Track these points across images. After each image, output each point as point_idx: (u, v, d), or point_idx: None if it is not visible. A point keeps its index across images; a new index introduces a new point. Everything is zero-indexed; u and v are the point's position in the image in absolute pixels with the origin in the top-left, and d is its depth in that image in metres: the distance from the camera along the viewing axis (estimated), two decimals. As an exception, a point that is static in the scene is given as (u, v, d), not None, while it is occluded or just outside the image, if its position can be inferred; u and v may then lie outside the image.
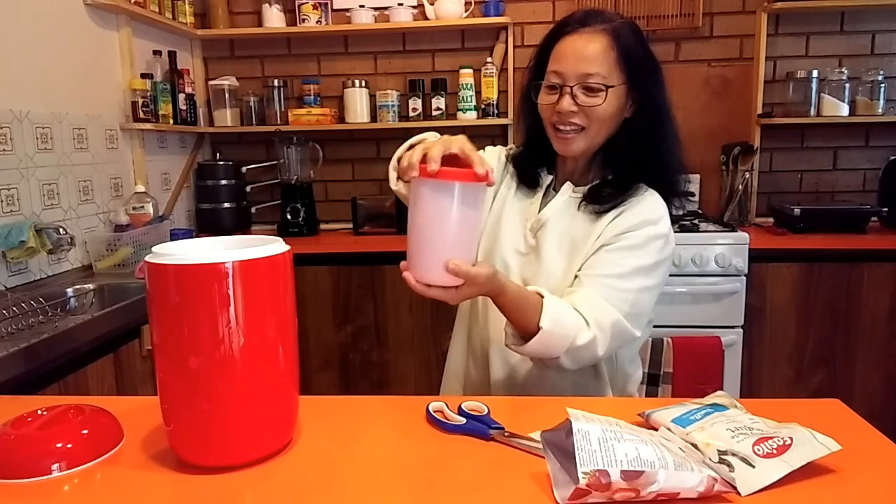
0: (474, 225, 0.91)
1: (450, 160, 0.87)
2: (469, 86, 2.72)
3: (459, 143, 0.88)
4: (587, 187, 1.13)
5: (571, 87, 1.05)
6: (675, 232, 2.39)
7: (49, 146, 1.98)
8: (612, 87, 1.04)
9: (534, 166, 1.18)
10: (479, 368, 1.19)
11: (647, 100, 1.08)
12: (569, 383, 1.10)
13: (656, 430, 0.81)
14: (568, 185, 1.14)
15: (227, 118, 2.85)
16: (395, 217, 2.66)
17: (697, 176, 2.76)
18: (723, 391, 0.89)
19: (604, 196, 1.09)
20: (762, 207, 2.75)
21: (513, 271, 1.13)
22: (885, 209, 2.48)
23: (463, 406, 0.90)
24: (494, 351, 1.14)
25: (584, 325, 0.98)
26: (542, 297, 0.98)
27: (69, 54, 2.09)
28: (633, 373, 1.20)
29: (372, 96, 2.82)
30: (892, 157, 2.56)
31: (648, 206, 1.07)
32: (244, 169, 2.85)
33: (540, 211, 1.14)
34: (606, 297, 1.01)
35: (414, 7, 2.77)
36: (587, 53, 1.04)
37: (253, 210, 2.91)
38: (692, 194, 1.12)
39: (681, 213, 1.19)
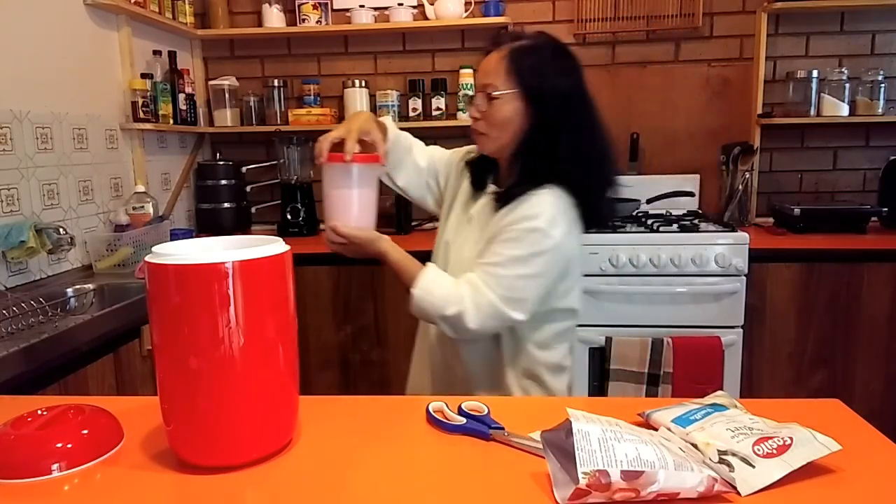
0: (361, 197, 1.20)
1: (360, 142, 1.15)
2: (469, 86, 2.72)
3: (360, 128, 1.17)
4: (499, 189, 1.26)
5: (475, 97, 1.24)
6: (676, 232, 2.38)
7: (49, 146, 1.98)
8: (502, 94, 1.19)
9: (482, 170, 1.33)
10: (420, 344, 1.41)
11: (542, 110, 1.20)
12: (478, 356, 1.26)
13: (656, 430, 0.81)
14: (491, 187, 1.29)
15: (227, 118, 2.85)
16: (395, 217, 2.67)
17: (697, 176, 2.76)
18: (723, 391, 0.89)
19: (506, 196, 1.22)
20: (762, 207, 2.75)
21: (448, 255, 1.33)
22: (885, 209, 2.48)
23: (463, 406, 0.90)
24: (432, 327, 1.32)
25: (456, 300, 1.15)
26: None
27: (69, 54, 2.09)
28: (546, 359, 1.26)
29: (372, 96, 2.82)
30: (892, 157, 2.56)
31: (531, 204, 1.18)
32: (244, 169, 2.85)
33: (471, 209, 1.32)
34: (485, 282, 1.16)
35: (414, 7, 2.77)
36: (487, 68, 1.22)
37: (253, 210, 2.91)
38: (614, 200, 1.30)
39: (615, 216, 1.30)
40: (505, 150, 1.24)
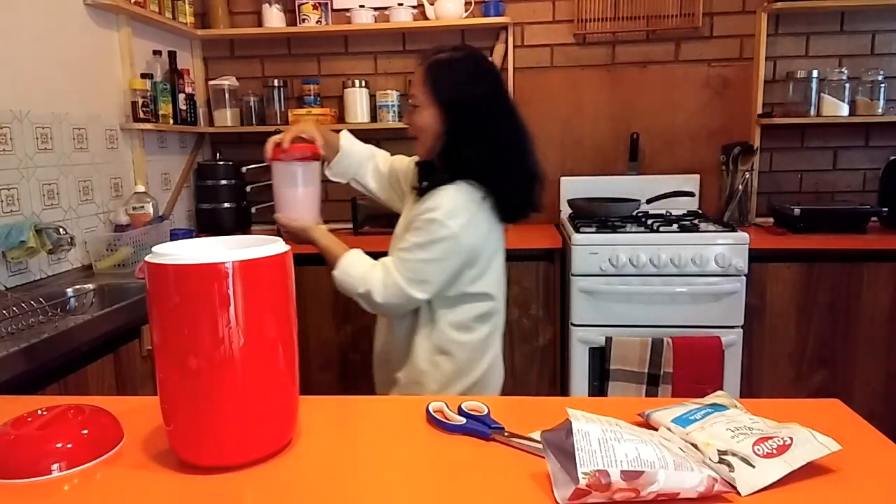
0: (299, 192, 1.41)
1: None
2: (469, 86, 2.72)
3: (299, 129, 1.42)
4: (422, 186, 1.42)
5: (408, 106, 1.43)
6: (676, 232, 2.39)
7: (49, 146, 1.98)
8: (421, 103, 1.37)
9: (427, 171, 1.47)
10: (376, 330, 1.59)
11: (454, 116, 1.35)
12: (401, 332, 1.43)
13: (656, 430, 0.81)
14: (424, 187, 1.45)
15: (227, 118, 2.85)
16: (396, 217, 2.66)
17: (697, 176, 2.77)
18: (723, 391, 0.89)
19: (422, 191, 1.38)
20: (762, 207, 2.75)
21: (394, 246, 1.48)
22: (885, 209, 2.48)
23: (463, 406, 0.90)
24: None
25: (369, 280, 1.33)
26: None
27: (69, 54, 2.09)
28: (461, 338, 1.39)
29: (372, 96, 2.82)
30: (892, 157, 2.56)
31: (434, 198, 1.33)
32: (244, 169, 2.85)
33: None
34: (395, 265, 1.34)
35: (414, 7, 2.77)
36: (413, 80, 1.40)
37: (253, 210, 2.90)
38: (530, 195, 1.45)
39: (532, 211, 1.47)
40: (431, 152, 1.40)
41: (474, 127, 1.36)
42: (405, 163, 1.61)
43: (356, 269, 1.38)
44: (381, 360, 1.51)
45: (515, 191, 1.41)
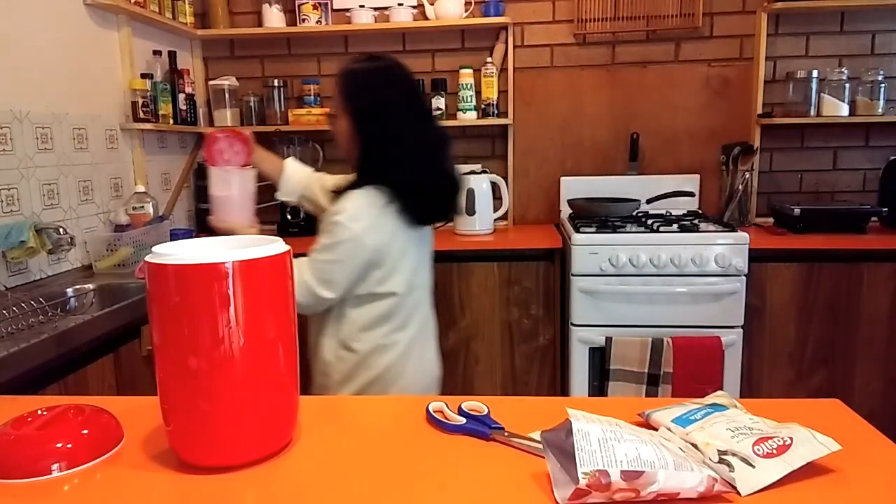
0: (232, 197, 1.50)
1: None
2: (469, 86, 2.72)
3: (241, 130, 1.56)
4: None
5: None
6: (676, 232, 2.39)
7: (49, 146, 1.98)
8: (335, 113, 1.47)
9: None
10: None
11: (361, 123, 1.43)
12: (315, 325, 1.51)
13: (656, 430, 0.81)
14: None
15: (227, 118, 2.84)
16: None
17: (697, 176, 2.77)
18: (723, 391, 0.89)
19: (336, 196, 1.45)
20: (762, 207, 2.75)
21: None
22: (885, 209, 2.48)
23: (463, 406, 0.90)
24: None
25: None
26: None
27: (69, 54, 2.09)
28: (362, 334, 1.45)
29: (372, 96, 2.81)
30: (892, 157, 2.56)
31: (342, 201, 1.40)
32: (244, 169, 2.85)
33: None
34: (307, 265, 1.40)
35: (414, 7, 2.77)
36: (333, 93, 1.50)
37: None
38: (442, 199, 1.53)
39: (445, 215, 1.57)
40: (352, 158, 1.47)
41: (381, 134, 1.42)
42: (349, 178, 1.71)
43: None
44: (312, 351, 1.58)
45: (425, 196, 1.46)
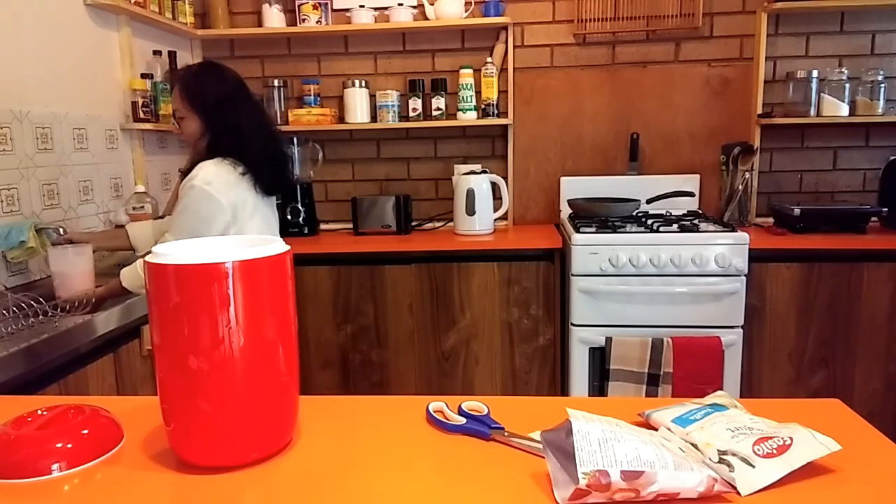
0: (76, 270, 1.71)
1: None
2: (469, 86, 2.72)
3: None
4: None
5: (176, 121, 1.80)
6: (676, 232, 2.40)
7: (49, 146, 1.98)
8: (183, 117, 1.75)
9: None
10: None
11: (205, 114, 1.73)
12: None
13: (656, 430, 0.81)
14: None
15: (227, 118, 2.84)
16: (396, 218, 2.67)
17: (697, 176, 2.77)
18: (723, 391, 0.89)
19: (188, 171, 1.71)
20: (762, 207, 2.75)
21: None
22: (885, 209, 2.48)
23: (463, 406, 0.90)
24: None
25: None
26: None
27: (69, 54, 2.09)
28: None
29: (372, 96, 2.82)
30: (892, 157, 2.56)
31: (193, 172, 1.67)
32: (244, 169, 2.85)
33: None
34: (170, 230, 1.69)
35: (414, 7, 2.77)
36: (173, 98, 1.78)
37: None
38: (282, 171, 1.89)
39: (286, 185, 2.05)
40: (202, 152, 1.73)
41: (226, 119, 1.71)
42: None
43: (135, 266, 1.68)
44: None
45: (266, 169, 1.77)
